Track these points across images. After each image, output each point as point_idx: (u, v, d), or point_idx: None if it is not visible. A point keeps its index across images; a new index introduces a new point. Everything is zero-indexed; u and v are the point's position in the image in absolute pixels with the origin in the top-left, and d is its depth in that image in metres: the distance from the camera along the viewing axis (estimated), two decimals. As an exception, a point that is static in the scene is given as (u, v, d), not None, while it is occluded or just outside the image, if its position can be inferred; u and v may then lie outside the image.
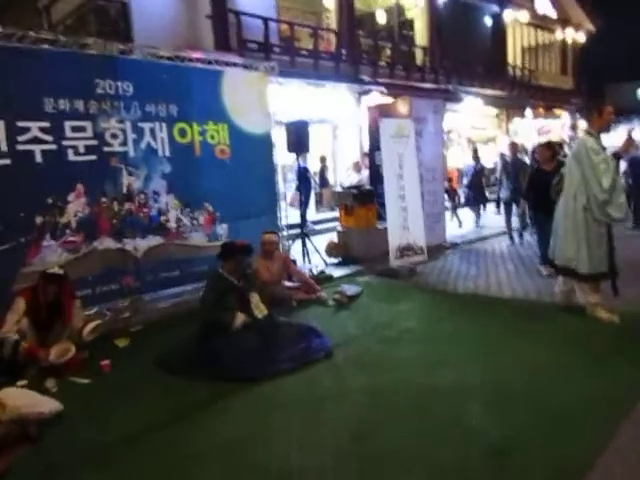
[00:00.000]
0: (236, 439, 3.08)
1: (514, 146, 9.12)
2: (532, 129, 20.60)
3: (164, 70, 5.88)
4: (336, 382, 3.73)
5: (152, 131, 5.80)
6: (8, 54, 4.73)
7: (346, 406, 3.39)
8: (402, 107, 8.38)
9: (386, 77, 14.23)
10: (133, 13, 10.50)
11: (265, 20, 11.03)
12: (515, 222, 8.93)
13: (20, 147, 4.84)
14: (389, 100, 11.95)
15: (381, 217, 8.05)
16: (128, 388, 3.90)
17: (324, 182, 12.50)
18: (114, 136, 5.49)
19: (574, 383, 3.49)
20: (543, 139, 13.31)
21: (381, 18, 15.99)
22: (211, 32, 10.84)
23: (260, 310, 4.42)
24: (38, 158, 4.96)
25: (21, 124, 4.83)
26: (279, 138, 7.51)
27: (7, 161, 4.76)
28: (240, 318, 4.28)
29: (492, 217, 11.68)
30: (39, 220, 4.99)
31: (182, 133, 6.07)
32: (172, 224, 6.07)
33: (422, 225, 7.47)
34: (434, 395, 3.47)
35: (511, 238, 8.99)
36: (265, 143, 7.03)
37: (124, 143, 5.57)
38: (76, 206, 5.27)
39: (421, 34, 16.78)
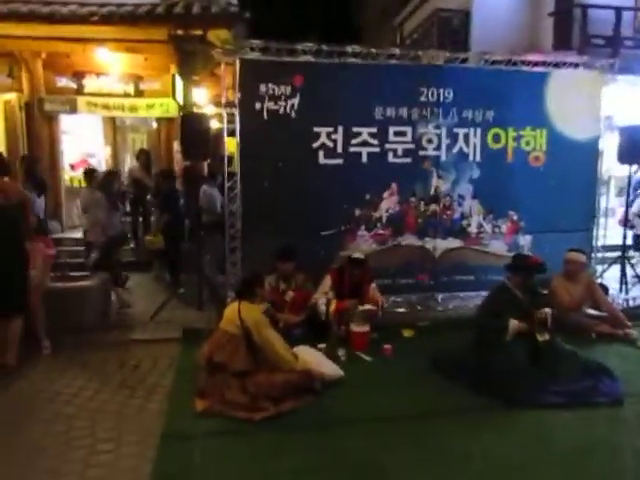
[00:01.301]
0: (481, 454, 3.05)
1: None
2: None
3: (485, 76, 5.92)
4: (611, 435, 3.21)
5: (466, 136, 5.94)
6: (351, 71, 5.60)
7: (614, 464, 2.92)
8: None
9: None
10: (474, 21, 10.80)
11: (617, 10, 9.69)
12: None
13: (352, 149, 5.70)
14: None
15: None
16: (401, 375, 4.23)
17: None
18: (429, 141, 5.87)
19: None
20: None
21: None
22: (552, 31, 10.20)
23: (541, 334, 4.07)
24: (364, 159, 5.74)
25: (355, 129, 5.68)
26: (611, 145, 6.63)
27: (340, 161, 5.69)
28: (514, 325, 4.05)
29: None
30: (357, 212, 5.80)
31: (496, 139, 6.02)
32: (473, 229, 6.13)
33: None
34: None
35: None
36: (589, 151, 6.32)
37: (438, 147, 5.89)
38: (388, 203, 5.89)
39: None
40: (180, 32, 8.56)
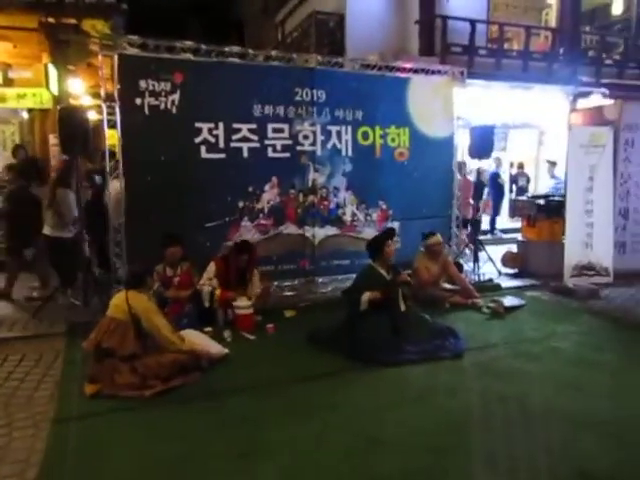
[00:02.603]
0: (348, 405, 3.59)
1: None
2: None
3: (354, 79, 6.53)
4: (451, 380, 3.94)
5: (338, 133, 6.52)
6: (230, 70, 5.89)
7: (450, 401, 3.62)
8: (609, 113, 7.62)
9: (612, 77, 12.73)
10: (348, 24, 11.53)
11: (472, 22, 10.95)
12: None
13: (233, 144, 6.00)
14: (607, 102, 10.77)
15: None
16: (283, 349, 4.69)
17: (519, 190, 11.92)
18: (306, 137, 6.35)
19: None
20: None
21: (617, 9, 14.30)
22: (417, 38, 11.24)
23: (401, 304, 4.78)
24: (245, 154, 6.07)
25: (235, 126, 5.99)
26: (465, 142, 7.62)
27: (223, 155, 5.96)
28: (365, 296, 4.68)
29: None
30: (241, 204, 6.12)
31: (365, 136, 6.67)
32: (348, 218, 6.73)
33: (610, 244, 6.78)
34: (544, 414, 3.43)
35: None
36: (446, 147, 7.21)
37: (313, 143, 6.40)
38: (270, 195, 6.28)
39: (669, 25, 14.41)
40: (52, 20, 8.23)
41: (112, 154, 5.68)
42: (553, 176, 9.79)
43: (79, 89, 9.75)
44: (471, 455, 2.95)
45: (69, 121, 5.46)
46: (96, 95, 9.02)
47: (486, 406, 3.53)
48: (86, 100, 9.73)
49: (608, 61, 13.04)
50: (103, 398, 3.61)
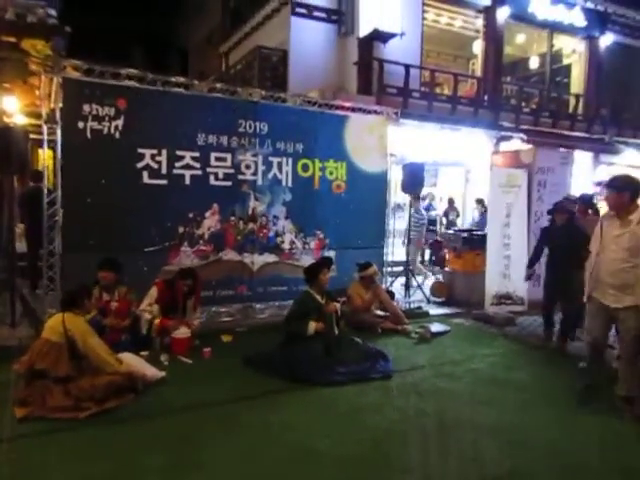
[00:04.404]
0: (280, 422, 3.77)
1: None
2: None
3: (296, 113, 6.88)
4: (379, 399, 4.22)
5: (279, 164, 6.81)
6: (175, 99, 6.08)
7: (376, 417, 3.89)
8: (525, 157, 8.41)
9: (529, 124, 14.00)
10: (291, 60, 12.04)
11: (406, 67, 11.77)
12: None
13: (175, 171, 6.12)
14: (526, 147, 11.82)
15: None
16: (218, 372, 4.77)
17: (449, 223, 12.70)
18: (247, 167, 6.59)
19: None
20: None
21: (534, 64, 15.85)
22: (356, 77, 11.89)
23: (334, 329, 5.04)
24: (187, 181, 6.21)
25: (179, 153, 6.13)
26: (398, 178, 8.13)
27: (165, 181, 6.07)
28: (312, 326, 4.93)
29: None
30: (181, 230, 6.22)
31: (305, 168, 7.00)
32: (286, 245, 6.98)
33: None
34: (457, 427, 3.77)
35: None
36: (380, 182, 7.65)
37: (255, 173, 6.64)
38: (210, 222, 6.42)
39: (578, 81, 16.12)
40: (-11, 37, 8.09)
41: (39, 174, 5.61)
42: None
43: (12, 107, 9.50)
44: (391, 463, 3.22)
45: (5, 139, 5.39)
46: (30, 114, 8.87)
47: (408, 421, 3.84)
48: (19, 119, 9.48)
49: (526, 109, 14.37)
50: (34, 421, 3.56)
